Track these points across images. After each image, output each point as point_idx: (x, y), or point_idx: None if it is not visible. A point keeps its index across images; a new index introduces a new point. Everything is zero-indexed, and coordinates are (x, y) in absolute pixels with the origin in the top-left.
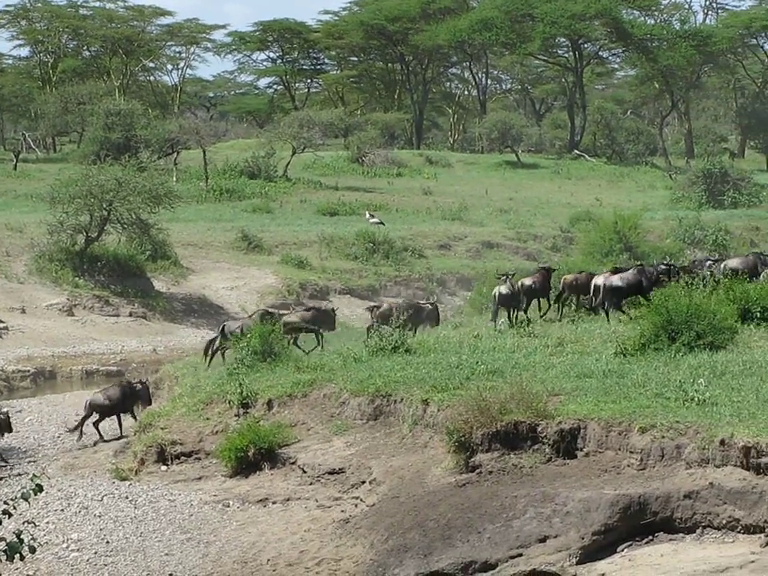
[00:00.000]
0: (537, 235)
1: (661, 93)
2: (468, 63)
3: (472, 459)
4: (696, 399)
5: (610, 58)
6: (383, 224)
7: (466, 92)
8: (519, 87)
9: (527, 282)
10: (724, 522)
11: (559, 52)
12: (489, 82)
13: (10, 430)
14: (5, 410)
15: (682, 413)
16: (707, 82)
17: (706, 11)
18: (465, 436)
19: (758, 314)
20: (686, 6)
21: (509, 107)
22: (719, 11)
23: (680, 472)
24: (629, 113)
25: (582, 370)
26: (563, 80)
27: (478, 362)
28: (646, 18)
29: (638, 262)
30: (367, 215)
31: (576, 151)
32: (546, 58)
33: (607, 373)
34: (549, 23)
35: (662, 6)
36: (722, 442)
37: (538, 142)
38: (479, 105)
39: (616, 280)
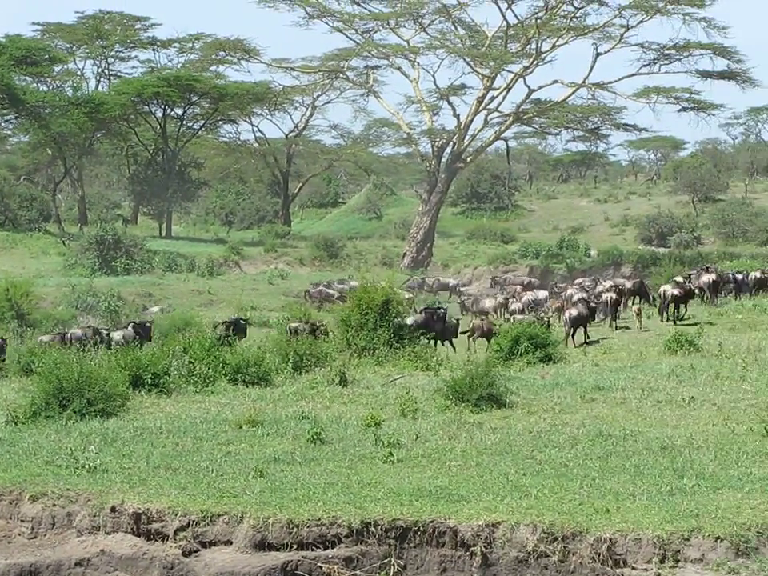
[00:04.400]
0: None
1: (54, 159)
2: None
3: None
4: (87, 466)
5: (3, 124)
6: None
7: None
8: None
9: None
10: None
11: None
12: None
13: None
14: None
15: (74, 480)
16: (100, 148)
17: (98, 78)
18: None
19: (149, 381)
20: (80, 73)
21: None
22: (112, 78)
23: (71, 540)
24: (22, 179)
25: None
26: None
27: None
28: (39, 84)
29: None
30: None
31: None
32: None
33: None
34: None
35: (55, 73)
36: (113, 509)
37: None
38: None
39: None
